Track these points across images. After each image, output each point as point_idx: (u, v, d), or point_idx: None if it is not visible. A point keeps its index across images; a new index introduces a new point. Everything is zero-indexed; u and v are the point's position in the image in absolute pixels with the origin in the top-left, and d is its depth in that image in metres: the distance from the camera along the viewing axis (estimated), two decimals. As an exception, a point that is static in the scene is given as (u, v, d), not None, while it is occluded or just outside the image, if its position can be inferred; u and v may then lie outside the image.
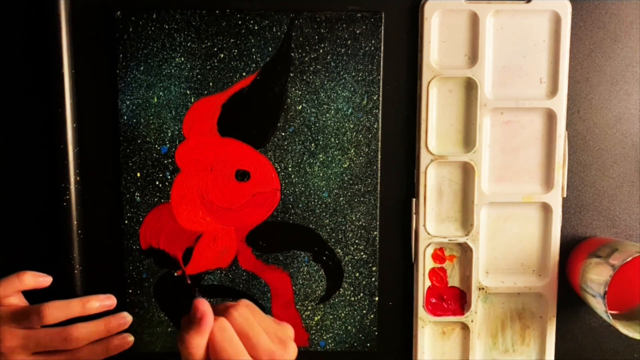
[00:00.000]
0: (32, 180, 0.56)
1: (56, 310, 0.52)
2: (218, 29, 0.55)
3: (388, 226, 0.58)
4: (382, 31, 0.55)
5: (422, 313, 0.58)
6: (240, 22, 0.55)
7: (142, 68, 0.55)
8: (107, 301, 0.55)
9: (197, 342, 0.44)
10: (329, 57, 0.55)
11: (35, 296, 0.53)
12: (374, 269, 0.58)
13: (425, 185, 0.57)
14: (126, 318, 0.56)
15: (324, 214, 0.57)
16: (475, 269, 0.58)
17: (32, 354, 0.51)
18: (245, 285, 0.58)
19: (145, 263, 0.57)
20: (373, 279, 0.58)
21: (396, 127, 0.57)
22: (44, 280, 0.53)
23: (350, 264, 0.58)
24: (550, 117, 0.57)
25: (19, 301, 0.53)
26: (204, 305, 0.44)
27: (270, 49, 0.55)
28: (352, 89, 0.56)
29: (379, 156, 0.57)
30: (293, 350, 0.47)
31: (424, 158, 0.57)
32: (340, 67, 0.56)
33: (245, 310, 0.46)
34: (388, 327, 0.59)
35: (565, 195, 0.58)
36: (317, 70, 0.56)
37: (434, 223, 0.58)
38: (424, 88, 0.56)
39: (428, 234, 0.58)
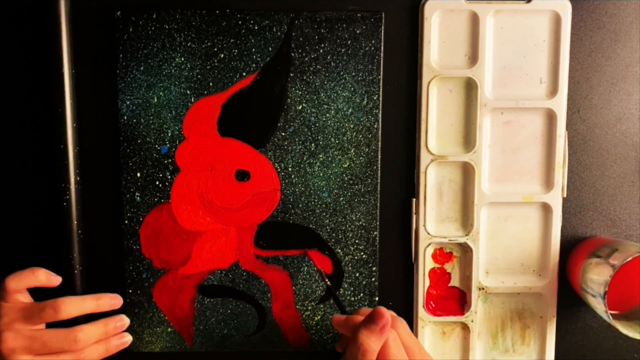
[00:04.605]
0: (32, 180, 0.56)
1: (71, 306, 0.52)
2: (218, 29, 0.55)
3: (388, 226, 0.58)
4: (382, 31, 0.55)
5: (422, 313, 0.58)
6: (240, 22, 0.55)
7: (142, 68, 0.55)
8: (115, 300, 0.56)
9: (376, 347, 0.47)
10: (329, 57, 0.56)
11: (33, 296, 0.53)
12: (374, 269, 0.58)
13: (425, 185, 0.57)
14: (124, 320, 0.56)
15: (324, 214, 0.57)
16: (475, 269, 0.58)
17: (35, 355, 0.51)
18: (245, 285, 0.58)
19: (145, 263, 0.57)
20: (373, 279, 0.58)
21: (396, 127, 0.57)
22: (55, 279, 0.53)
23: (350, 264, 0.58)
24: (550, 117, 0.57)
25: (24, 299, 0.52)
26: (387, 314, 0.48)
27: (270, 49, 0.55)
28: (352, 89, 0.56)
29: (379, 156, 0.57)
30: None
31: (424, 158, 0.57)
32: (340, 67, 0.56)
33: (406, 326, 0.51)
34: (388, 327, 0.59)
35: (565, 195, 0.58)
36: (317, 70, 0.56)
37: (434, 223, 0.58)
38: (424, 88, 0.56)
39: (428, 234, 0.58)
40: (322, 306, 0.58)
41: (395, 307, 0.59)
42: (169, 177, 0.57)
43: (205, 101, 0.56)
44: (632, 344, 0.60)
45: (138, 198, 0.57)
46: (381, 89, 0.56)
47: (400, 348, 0.48)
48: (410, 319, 0.59)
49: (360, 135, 0.56)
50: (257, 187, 0.57)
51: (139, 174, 0.56)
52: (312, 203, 0.57)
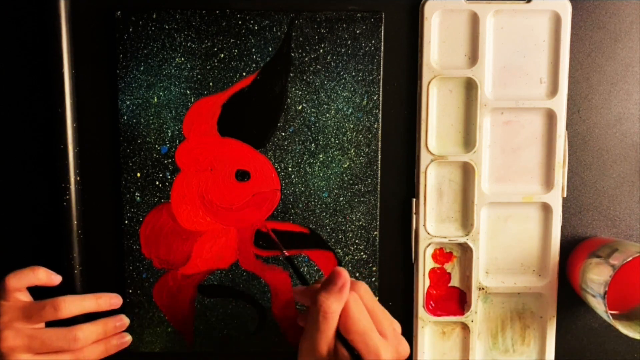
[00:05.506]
0: (32, 180, 0.56)
1: (71, 305, 0.52)
2: (218, 29, 0.55)
3: (388, 226, 0.58)
4: (382, 31, 0.55)
5: (422, 313, 0.58)
6: (240, 22, 0.55)
7: (142, 68, 0.55)
8: (115, 299, 0.56)
9: (336, 307, 0.45)
10: (329, 57, 0.56)
11: (33, 296, 0.53)
12: (374, 269, 0.58)
13: (425, 185, 0.57)
14: (123, 320, 0.56)
15: (324, 214, 0.57)
16: (475, 269, 0.58)
17: (35, 354, 0.51)
18: (246, 285, 0.58)
19: (145, 263, 0.57)
20: (373, 279, 0.58)
21: (396, 127, 0.57)
22: (55, 278, 0.53)
23: (350, 264, 0.58)
24: (550, 117, 0.57)
25: (24, 298, 0.52)
26: (345, 273, 0.46)
27: (270, 49, 0.55)
28: (352, 89, 0.56)
29: (379, 156, 0.57)
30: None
31: (424, 158, 0.57)
32: (340, 67, 0.56)
33: (368, 289, 0.48)
34: (388, 327, 0.59)
35: (565, 195, 0.58)
36: (317, 70, 0.56)
37: (434, 223, 0.58)
38: (424, 88, 0.56)
39: (428, 234, 0.58)
40: (322, 306, 0.58)
41: (395, 307, 0.59)
42: (169, 177, 0.57)
43: (205, 101, 0.56)
44: (632, 344, 0.60)
45: (138, 198, 0.57)
46: (381, 89, 0.56)
47: (362, 308, 0.46)
48: (410, 318, 0.59)
49: (360, 135, 0.56)
50: (257, 187, 0.57)
51: (139, 174, 0.56)
52: (312, 203, 0.57)
